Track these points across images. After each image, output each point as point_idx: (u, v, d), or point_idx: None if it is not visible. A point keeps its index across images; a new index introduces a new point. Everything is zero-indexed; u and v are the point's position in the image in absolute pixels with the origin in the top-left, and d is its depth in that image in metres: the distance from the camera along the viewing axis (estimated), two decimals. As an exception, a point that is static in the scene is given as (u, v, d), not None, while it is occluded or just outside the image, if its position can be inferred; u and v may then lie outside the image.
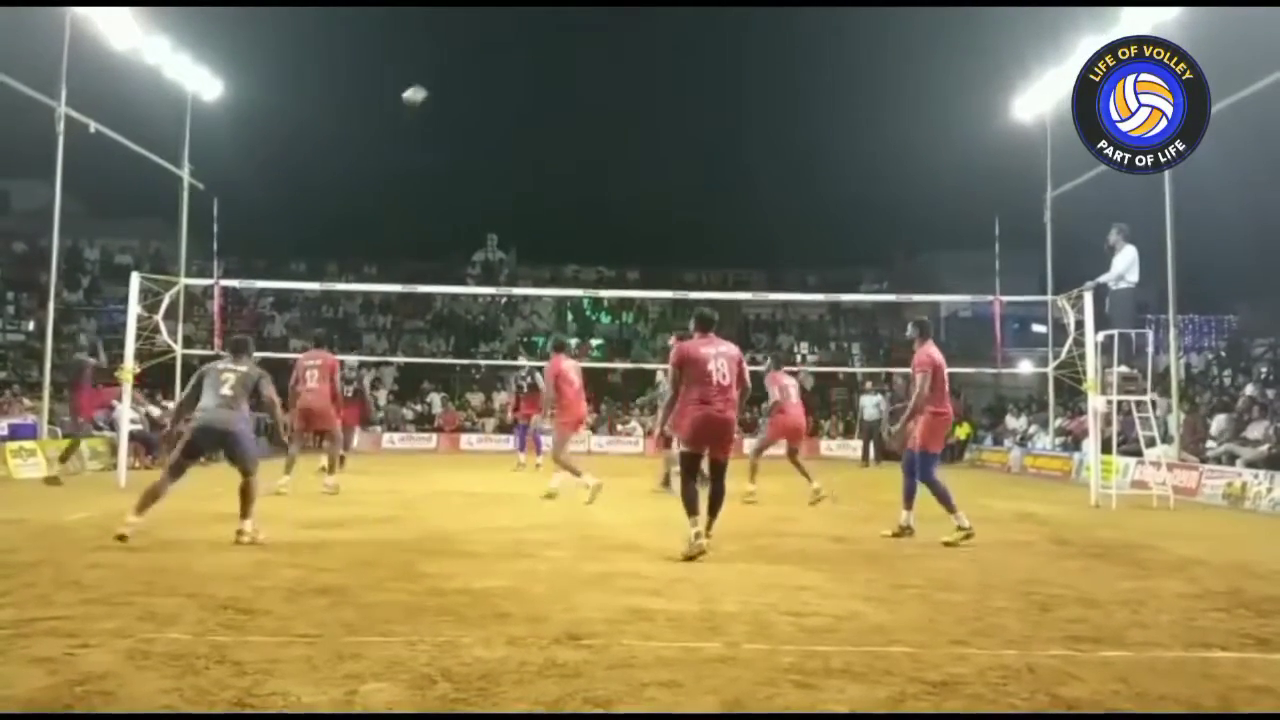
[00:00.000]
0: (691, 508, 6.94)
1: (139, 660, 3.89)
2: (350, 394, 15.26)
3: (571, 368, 11.39)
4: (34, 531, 7.96)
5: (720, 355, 7.14)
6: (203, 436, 7.39)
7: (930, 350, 8.34)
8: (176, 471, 7.36)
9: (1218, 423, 15.69)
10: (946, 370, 8.40)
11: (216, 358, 9.16)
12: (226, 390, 7.39)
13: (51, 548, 6.92)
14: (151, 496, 7.25)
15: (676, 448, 8.80)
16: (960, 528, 7.93)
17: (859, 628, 4.76)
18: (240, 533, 7.23)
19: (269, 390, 7.69)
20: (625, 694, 3.59)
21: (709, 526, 7.00)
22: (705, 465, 7.19)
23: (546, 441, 14.63)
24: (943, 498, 8.10)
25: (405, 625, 4.60)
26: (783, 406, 11.78)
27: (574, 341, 35.18)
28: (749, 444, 14.39)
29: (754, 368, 8.72)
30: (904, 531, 8.34)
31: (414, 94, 12.40)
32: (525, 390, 18.21)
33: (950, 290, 23.59)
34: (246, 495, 7.36)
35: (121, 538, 6.89)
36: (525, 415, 17.66)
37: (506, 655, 4.07)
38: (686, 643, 4.37)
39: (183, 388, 19.74)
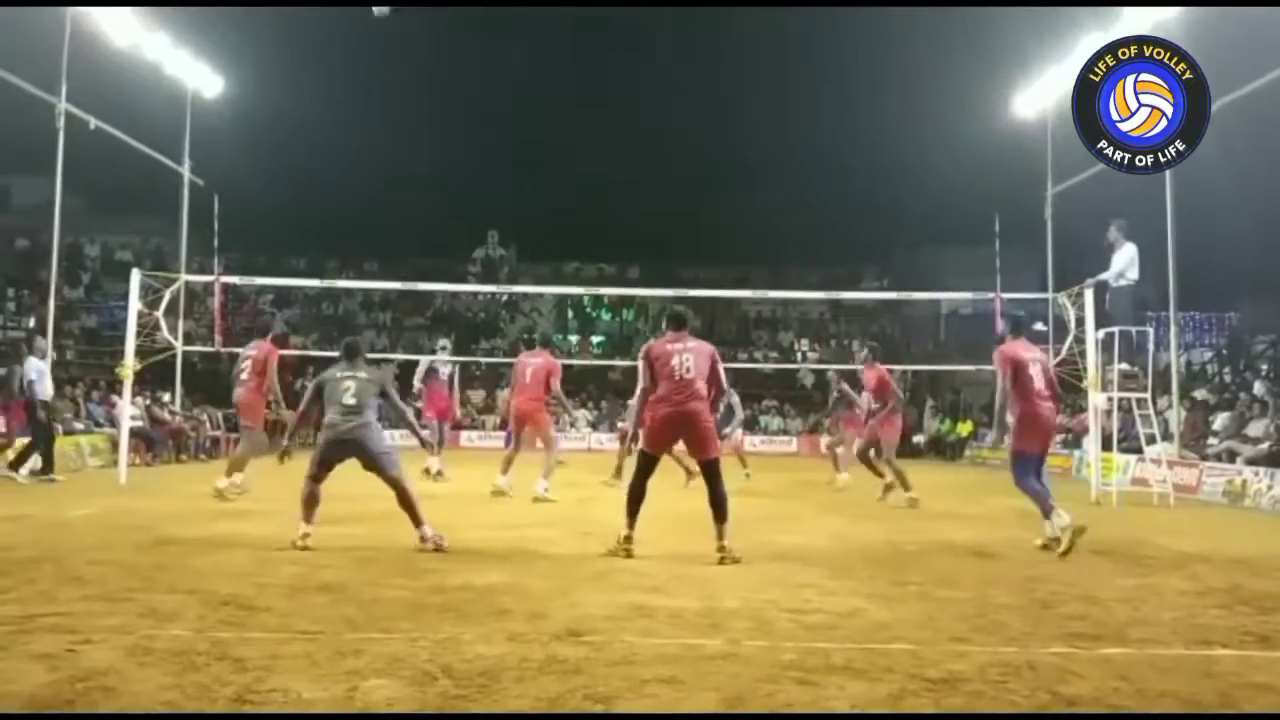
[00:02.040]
0: (631, 508, 6.85)
1: (140, 657, 3.90)
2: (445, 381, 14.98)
3: (528, 363, 11.22)
4: (35, 528, 7.96)
5: (687, 351, 6.94)
6: (332, 449, 7.13)
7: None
8: (317, 481, 7.14)
9: (1222, 420, 15.67)
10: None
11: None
12: (349, 399, 7.10)
13: (53, 544, 6.92)
14: (311, 501, 7.07)
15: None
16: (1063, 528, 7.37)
17: (860, 625, 4.76)
18: (423, 539, 6.91)
19: (395, 394, 7.36)
20: (626, 691, 3.59)
21: (720, 535, 6.64)
22: (695, 468, 7.07)
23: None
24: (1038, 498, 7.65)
25: (406, 622, 4.60)
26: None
27: (574, 339, 35.26)
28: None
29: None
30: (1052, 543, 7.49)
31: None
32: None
33: (951, 287, 23.55)
34: (405, 502, 7.07)
35: (303, 547, 6.78)
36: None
37: (507, 652, 4.07)
38: (687, 639, 4.37)
39: (183, 384, 19.84)
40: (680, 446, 7.42)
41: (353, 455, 7.12)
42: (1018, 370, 7.76)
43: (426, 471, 13.21)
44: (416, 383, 14.87)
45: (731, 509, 6.79)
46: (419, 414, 13.31)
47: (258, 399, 10.97)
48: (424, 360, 15.23)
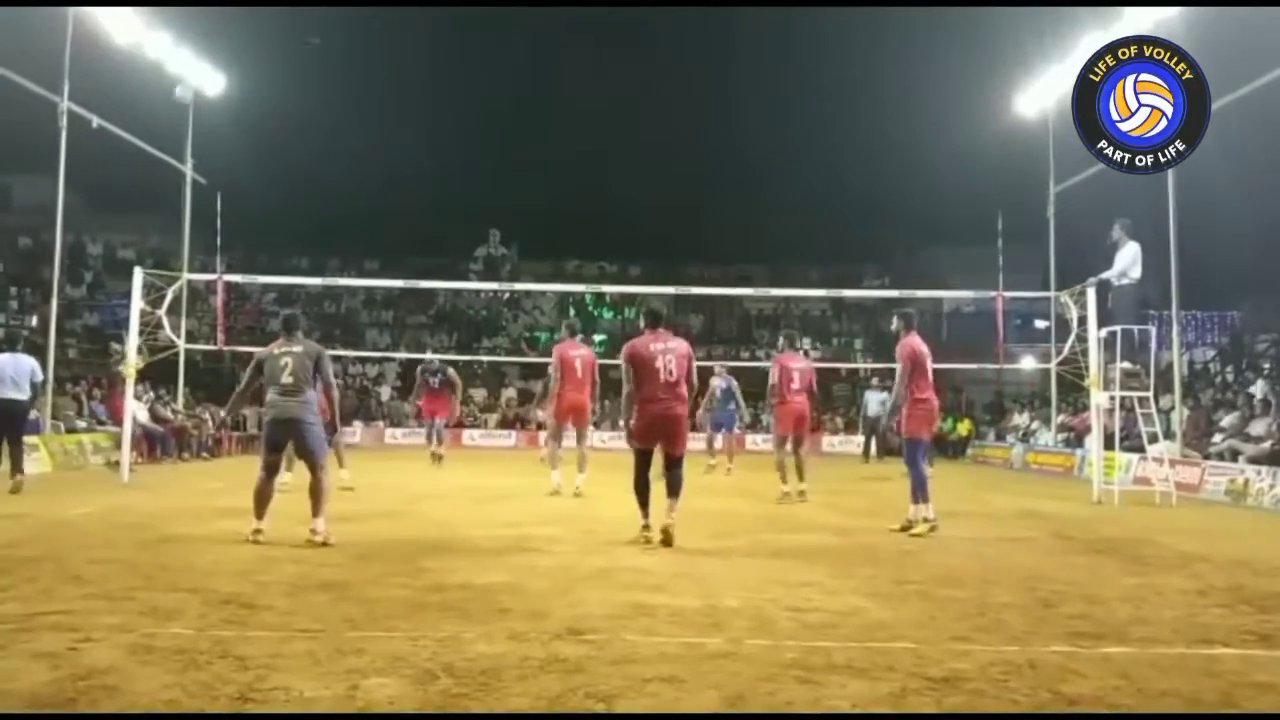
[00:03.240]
0: (641, 499, 7.31)
1: (141, 655, 3.90)
2: (436, 385, 15.16)
3: (575, 355, 11.34)
4: (37, 526, 7.97)
5: (668, 352, 7.30)
6: (275, 429, 7.14)
7: (912, 341, 8.44)
8: (271, 470, 7.20)
9: (1230, 420, 15.63)
10: (930, 360, 8.47)
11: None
12: (287, 378, 7.09)
13: (54, 543, 6.93)
14: (261, 498, 7.10)
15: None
16: (926, 519, 8.18)
17: (861, 623, 4.76)
18: (313, 532, 6.95)
19: (328, 370, 7.30)
20: (627, 689, 3.59)
21: (670, 509, 7.16)
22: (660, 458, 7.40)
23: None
24: (917, 485, 8.28)
25: (407, 620, 4.60)
26: (781, 395, 11.05)
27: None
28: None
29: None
30: (910, 525, 8.33)
31: None
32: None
33: (952, 286, 23.53)
34: (314, 491, 7.09)
35: (255, 541, 6.87)
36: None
37: (508, 650, 4.07)
38: (688, 638, 4.37)
39: (185, 383, 19.86)
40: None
41: (292, 435, 7.16)
42: (916, 362, 8.34)
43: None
44: (434, 381, 14.95)
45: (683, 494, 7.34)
46: (419, 412, 13.41)
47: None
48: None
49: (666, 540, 7.05)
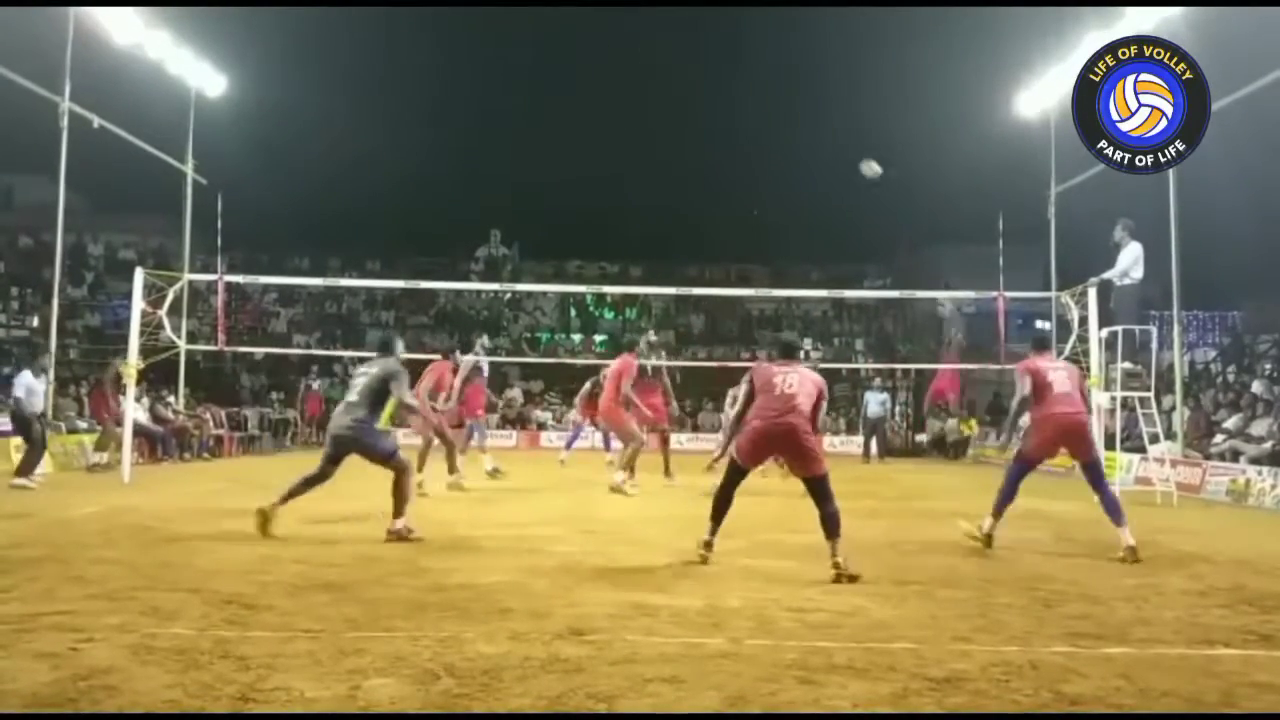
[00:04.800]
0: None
1: (143, 655, 3.91)
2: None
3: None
4: (39, 526, 7.98)
5: (793, 373, 6.64)
6: (327, 443, 7.49)
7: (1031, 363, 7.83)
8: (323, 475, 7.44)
9: (1235, 421, 15.61)
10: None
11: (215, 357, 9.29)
12: (352, 395, 7.42)
13: (56, 543, 6.93)
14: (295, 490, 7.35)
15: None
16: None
17: (862, 624, 4.76)
18: (389, 531, 7.18)
19: (402, 392, 7.41)
20: (627, 689, 3.59)
21: (833, 551, 6.19)
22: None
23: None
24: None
25: (408, 620, 4.60)
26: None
27: (577, 338, 35.22)
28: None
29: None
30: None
31: (870, 168, 14.63)
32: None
33: (954, 286, 23.53)
34: (393, 494, 7.30)
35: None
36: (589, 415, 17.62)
37: (509, 650, 4.08)
38: (689, 638, 4.37)
39: (186, 383, 19.83)
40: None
41: (350, 452, 7.35)
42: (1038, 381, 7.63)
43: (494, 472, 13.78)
44: (456, 382, 14.71)
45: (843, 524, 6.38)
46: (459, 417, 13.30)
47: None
48: (467, 360, 14.99)
49: (843, 577, 6.04)
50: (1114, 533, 7.14)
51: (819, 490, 6.44)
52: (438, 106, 36.58)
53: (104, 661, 3.79)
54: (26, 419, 12.08)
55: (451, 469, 11.94)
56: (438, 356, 13.47)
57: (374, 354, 7.93)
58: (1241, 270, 26.36)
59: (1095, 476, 7.49)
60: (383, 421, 7.43)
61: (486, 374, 14.92)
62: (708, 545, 6.58)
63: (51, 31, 15.15)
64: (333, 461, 7.39)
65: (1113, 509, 7.23)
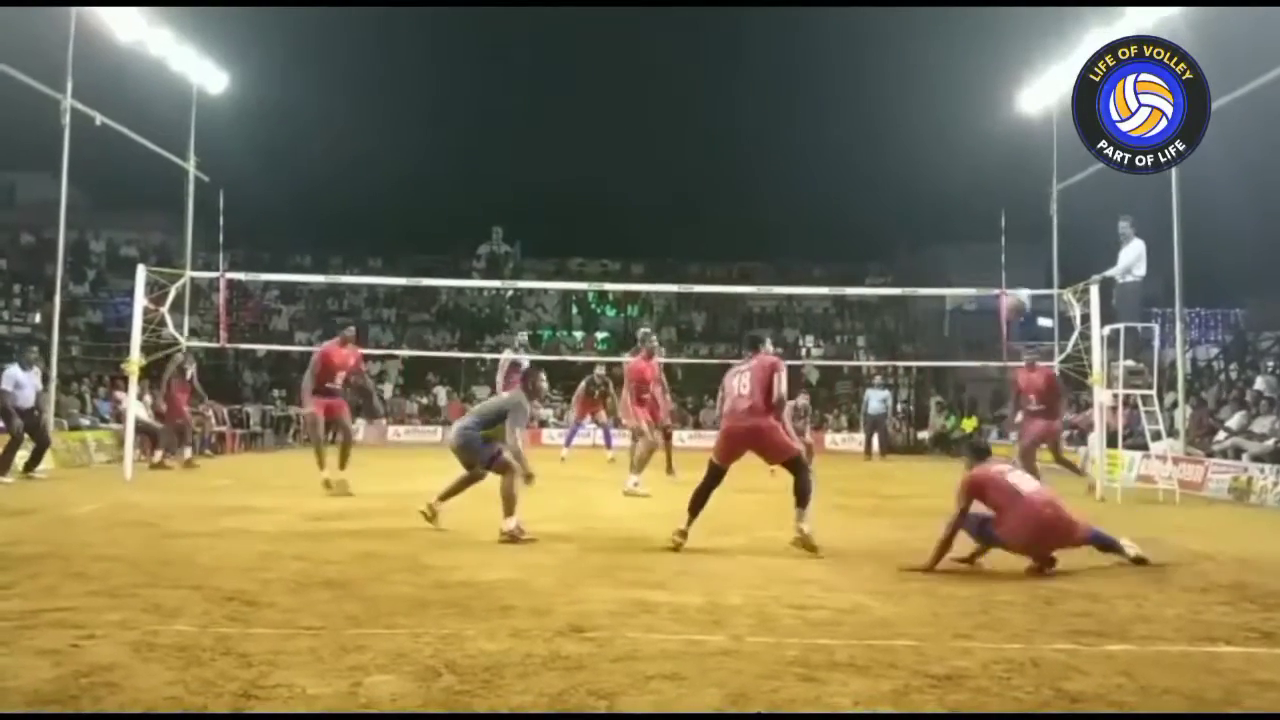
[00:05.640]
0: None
1: (144, 652, 3.91)
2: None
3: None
4: (41, 524, 7.99)
5: (745, 371, 7.18)
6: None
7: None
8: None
9: (1238, 419, 15.59)
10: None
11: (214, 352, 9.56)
12: (470, 414, 8.11)
13: (58, 540, 6.94)
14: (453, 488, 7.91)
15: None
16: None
17: (863, 621, 4.76)
18: (502, 532, 7.30)
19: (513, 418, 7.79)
20: (629, 686, 3.59)
21: (798, 518, 6.91)
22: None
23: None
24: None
25: (410, 618, 4.61)
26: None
27: (579, 335, 35.22)
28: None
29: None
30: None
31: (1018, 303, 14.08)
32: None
33: (955, 283, 23.48)
34: (503, 495, 7.56)
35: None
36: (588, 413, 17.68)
37: (510, 647, 4.08)
38: (690, 635, 4.37)
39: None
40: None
41: (460, 458, 7.91)
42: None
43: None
44: (500, 379, 14.65)
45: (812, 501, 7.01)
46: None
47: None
48: (506, 355, 14.91)
49: (799, 544, 6.83)
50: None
51: (793, 466, 7.03)
52: (438, 105, 36.61)
53: (105, 658, 3.80)
54: (8, 411, 12.05)
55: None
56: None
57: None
58: (1244, 267, 26.35)
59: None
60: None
61: (525, 367, 14.87)
62: (682, 534, 6.97)
63: (53, 29, 15.13)
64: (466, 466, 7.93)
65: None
